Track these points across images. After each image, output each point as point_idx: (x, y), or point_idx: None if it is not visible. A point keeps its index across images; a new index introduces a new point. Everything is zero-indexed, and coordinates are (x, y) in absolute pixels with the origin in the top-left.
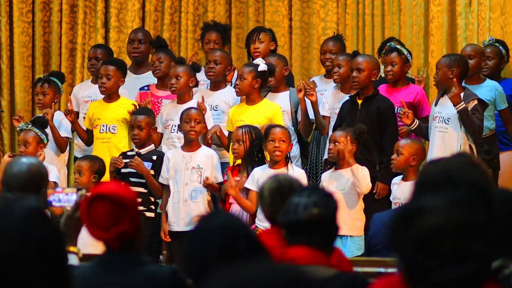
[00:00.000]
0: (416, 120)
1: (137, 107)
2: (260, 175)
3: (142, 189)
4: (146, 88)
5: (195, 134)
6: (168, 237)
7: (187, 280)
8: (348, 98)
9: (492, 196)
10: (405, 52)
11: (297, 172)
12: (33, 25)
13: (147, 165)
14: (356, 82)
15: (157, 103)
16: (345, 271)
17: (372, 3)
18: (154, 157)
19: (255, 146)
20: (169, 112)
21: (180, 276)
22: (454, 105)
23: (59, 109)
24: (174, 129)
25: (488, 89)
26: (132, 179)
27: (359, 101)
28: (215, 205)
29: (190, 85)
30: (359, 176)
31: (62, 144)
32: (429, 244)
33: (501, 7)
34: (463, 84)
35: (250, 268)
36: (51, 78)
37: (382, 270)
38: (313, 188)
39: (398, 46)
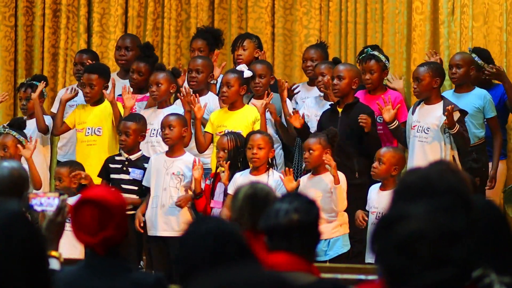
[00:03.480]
0: (396, 120)
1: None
2: (241, 181)
3: (133, 196)
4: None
5: (170, 141)
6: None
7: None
8: (329, 106)
9: (472, 202)
10: (383, 59)
11: (276, 178)
12: (16, 29)
13: (139, 172)
14: (337, 90)
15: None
16: (326, 278)
17: (354, 11)
18: (146, 165)
19: (240, 153)
20: (149, 117)
21: (164, 284)
22: (449, 129)
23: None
24: (153, 133)
25: (477, 97)
26: (123, 186)
27: (340, 109)
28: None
29: (171, 91)
30: (340, 197)
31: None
32: (410, 248)
33: (484, 16)
34: (453, 92)
35: (233, 273)
36: (34, 82)
37: (362, 277)
38: (295, 194)
39: (376, 53)
